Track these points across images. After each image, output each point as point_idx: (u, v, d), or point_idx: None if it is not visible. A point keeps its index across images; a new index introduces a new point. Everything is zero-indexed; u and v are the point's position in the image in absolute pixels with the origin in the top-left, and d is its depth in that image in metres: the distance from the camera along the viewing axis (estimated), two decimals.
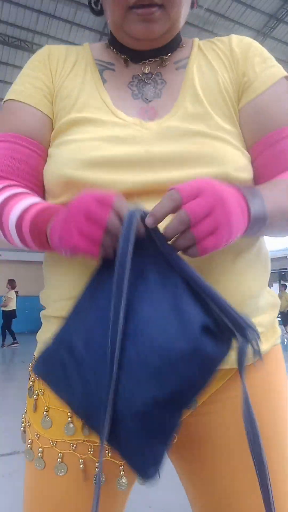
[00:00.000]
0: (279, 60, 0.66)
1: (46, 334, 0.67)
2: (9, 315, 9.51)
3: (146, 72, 0.70)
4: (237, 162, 0.63)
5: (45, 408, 0.65)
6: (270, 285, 0.76)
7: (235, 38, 0.71)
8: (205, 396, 0.62)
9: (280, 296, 10.92)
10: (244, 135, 0.67)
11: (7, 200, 0.62)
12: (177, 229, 0.49)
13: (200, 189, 0.50)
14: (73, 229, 0.50)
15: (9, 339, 9.50)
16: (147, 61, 0.70)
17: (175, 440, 0.62)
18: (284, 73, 0.69)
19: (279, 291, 11.72)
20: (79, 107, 0.66)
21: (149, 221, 0.50)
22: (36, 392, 0.67)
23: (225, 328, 0.48)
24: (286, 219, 0.61)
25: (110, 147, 0.61)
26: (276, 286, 14.34)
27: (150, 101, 0.67)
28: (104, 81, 0.69)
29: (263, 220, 0.56)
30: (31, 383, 0.69)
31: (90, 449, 0.62)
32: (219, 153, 0.62)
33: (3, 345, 9.33)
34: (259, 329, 0.63)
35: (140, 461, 0.49)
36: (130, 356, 0.47)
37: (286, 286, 11.85)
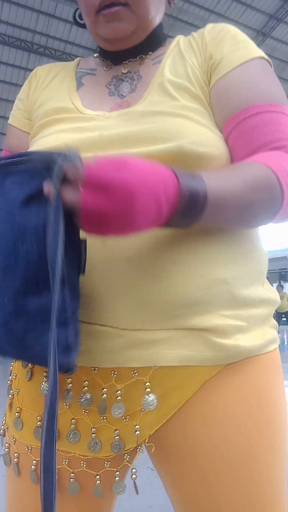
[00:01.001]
0: (279, 60, 0.66)
1: None
2: None
3: (125, 71, 0.72)
4: (195, 136, 0.59)
5: (17, 408, 0.64)
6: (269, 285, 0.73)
7: (209, 26, 0.71)
8: (178, 404, 0.57)
9: (281, 297, 10.90)
10: (215, 119, 0.65)
11: None
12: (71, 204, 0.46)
13: (109, 185, 0.44)
14: None
15: None
16: (127, 61, 0.72)
17: (152, 450, 0.59)
18: (259, 54, 0.66)
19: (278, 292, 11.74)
20: (48, 113, 0.69)
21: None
22: (12, 391, 0.66)
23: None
24: (240, 206, 0.55)
25: (68, 136, 0.63)
26: (275, 286, 14.33)
27: (125, 96, 0.69)
28: (80, 85, 0.73)
29: (200, 203, 0.50)
30: (9, 382, 0.68)
31: (65, 459, 0.60)
32: (177, 128, 0.59)
33: None
34: (236, 322, 0.58)
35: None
36: None
37: (283, 286, 11.89)
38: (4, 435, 0.68)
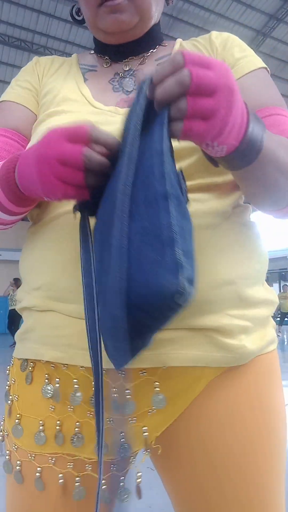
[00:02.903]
0: (279, 60, 0.66)
1: (21, 329, 0.66)
2: (17, 314, 9.29)
3: (127, 69, 0.72)
4: None
5: (17, 415, 0.62)
6: (269, 285, 0.73)
7: (214, 33, 0.74)
8: (184, 405, 0.58)
9: (284, 297, 10.80)
10: None
11: None
12: (172, 90, 0.42)
13: (212, 63, 0.43)
14: (52, 177, 0.47)
15: (11, 339, 9.39)
16: (127, 59, 0.72)
17: (159, 451, 0.60)
18: (263, 64, 0.70)
19: (281, 291, 11.65)
20: (58, 102, 0.68)
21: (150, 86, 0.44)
22: (11, 396, 0.65)
23: None
24: (278, 168, 0.54)
25: None
26: (276, 286, 14.27)
27: (130, 92, 0.69)
28: (85, 79, 0.72)
29: (258, 145, 0.49)
30: (7, 387, 0.67)
31: (70, 463, 0.59)
32: None
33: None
34: (241, 322, 0.58)
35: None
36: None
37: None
38: (3, 441, 0.66)
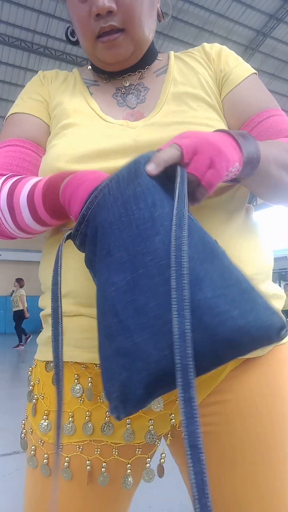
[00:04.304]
0: (279, 60, 0.67)
1: (45, 334, 0.68)
2: (20, 314, 9.10)
3: (127, 85, 0.75)
4: None
5: (45, 412, 0.65)
6: None
7: (206, 44, 0.79)
8: (207, 391, 0.62)
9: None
10: (229, 124, 0.73)
11: (18, 180, 0.66)
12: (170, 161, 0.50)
13: (184, 136, 0.53)
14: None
15: (15, 339, 9.29)
16: (126, 75, 0.75)
17: (183, 435, 0.62)
18: (253, 70, 0.77)
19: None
20: (69, 114, 0.71)
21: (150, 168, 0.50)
22: (35, 396, 0.67)
23: None
24: (279, 167, 0.62)
25: (100, 141, 0.65)
26: (283, 285, 14.27)
27: (134, 107, 0.72)
28: (91, 93, 0.75)
29: (256, 157, 0.57)
30: (30, 387, 0.69)
31: (97, 449, 0.62)
32: None
33: (21, 345, 8.99)
34: None
35: None
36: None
37: None
38: (25, 438, 0.69)
